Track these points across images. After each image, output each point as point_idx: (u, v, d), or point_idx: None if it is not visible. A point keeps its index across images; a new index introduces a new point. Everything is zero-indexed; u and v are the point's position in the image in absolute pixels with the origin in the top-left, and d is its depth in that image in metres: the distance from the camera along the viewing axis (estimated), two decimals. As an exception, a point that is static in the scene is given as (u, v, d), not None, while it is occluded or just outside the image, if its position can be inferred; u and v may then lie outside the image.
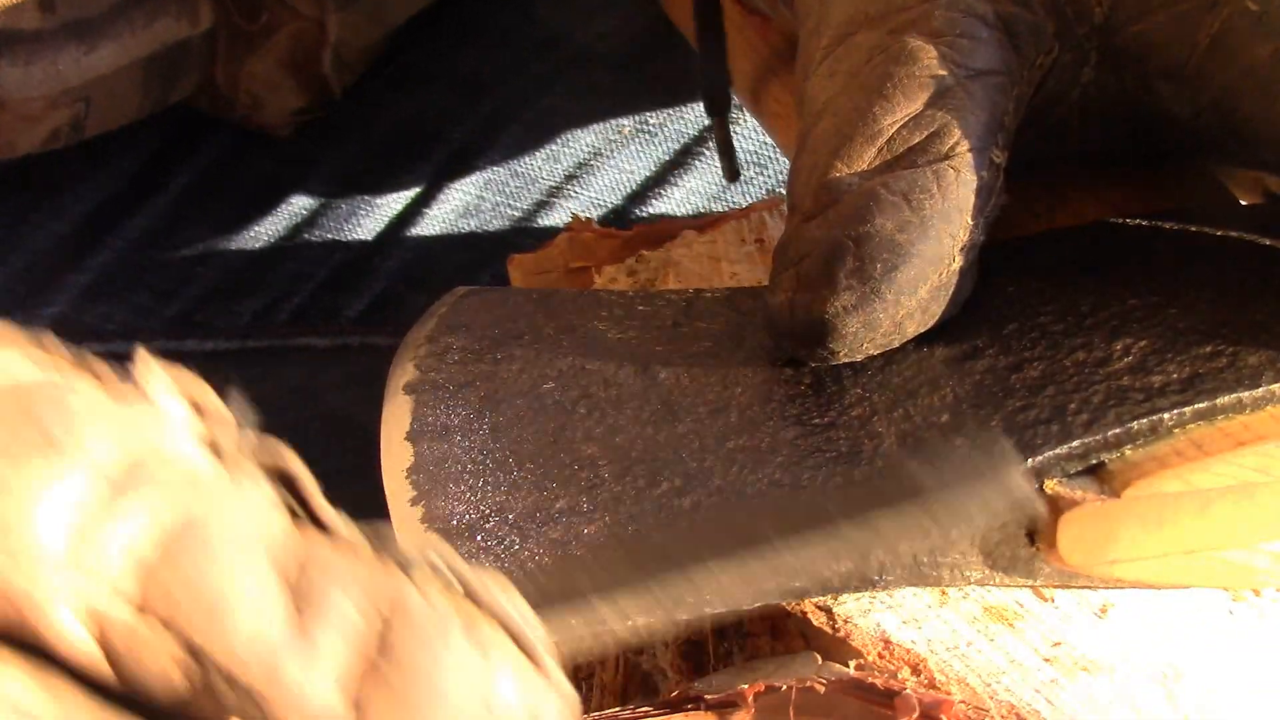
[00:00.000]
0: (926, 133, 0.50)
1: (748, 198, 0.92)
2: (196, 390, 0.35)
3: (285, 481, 0.34)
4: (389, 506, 0.47)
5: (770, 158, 0.92)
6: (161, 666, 0.32)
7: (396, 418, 0.50)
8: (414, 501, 0.47)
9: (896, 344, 0.50)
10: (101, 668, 0.32)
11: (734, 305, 0.56)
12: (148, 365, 0.35)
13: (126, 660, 0.32)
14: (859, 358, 0.50)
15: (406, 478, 0.48)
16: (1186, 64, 0.52)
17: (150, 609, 0.32)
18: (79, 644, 0.31)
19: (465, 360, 0.53)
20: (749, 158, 0.92)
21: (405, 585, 0.33)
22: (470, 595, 0.33)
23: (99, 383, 0.34)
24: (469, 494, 0.47)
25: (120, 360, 0.35)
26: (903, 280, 0.48)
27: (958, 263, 0.50)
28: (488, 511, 0.46)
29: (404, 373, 0.52)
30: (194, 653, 0.32)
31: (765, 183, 0.92)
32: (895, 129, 0.50)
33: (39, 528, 0.31)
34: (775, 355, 0.52)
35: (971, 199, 0.49)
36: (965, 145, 0.49)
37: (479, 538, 0.45)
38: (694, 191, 0.92)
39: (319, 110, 0.90)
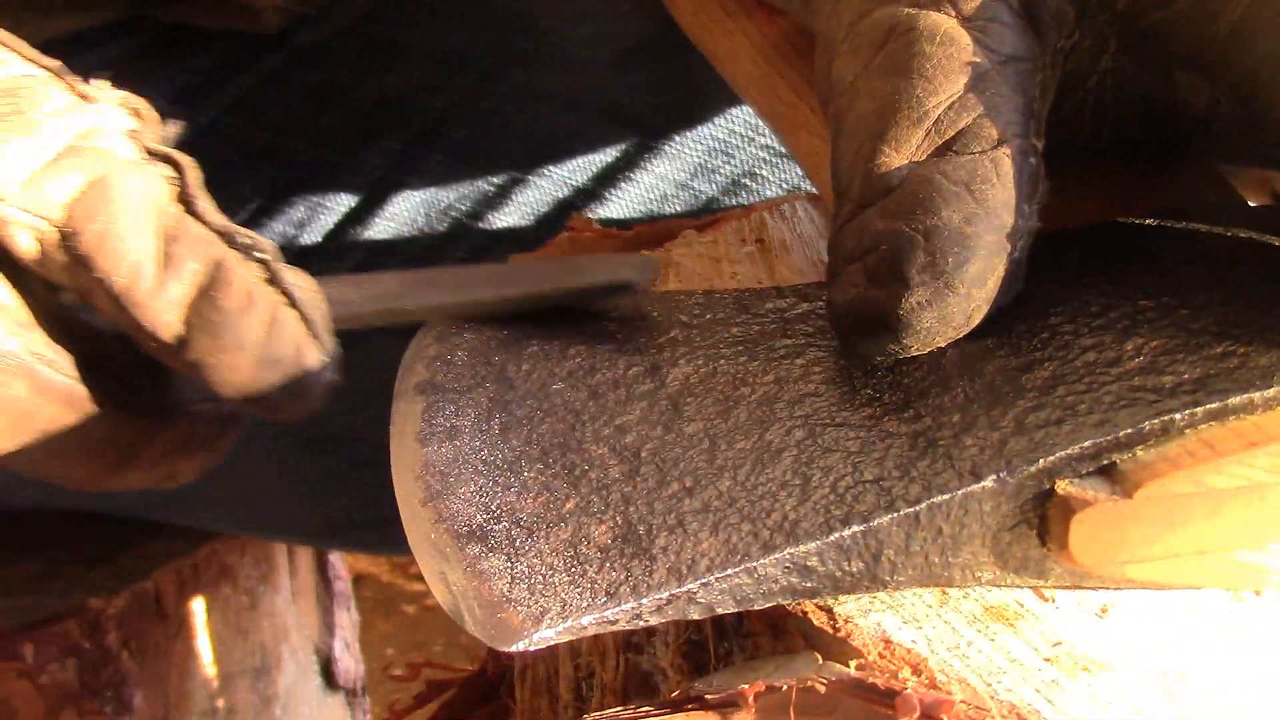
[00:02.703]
0: (973, 116, 0.49)
1: (713, 186, 0.92)
2: (137, 102, 0.54)
3: (180, 171, 0.52)
4: (399, 506, 0.47)
5: (738, 146, 0.92)
6: (75, 271, 0.50)
7: (407, 418, 0.50)
8: (424, 502, 0.47)
9: (962, 335, 0.50)
10: (38, 268, 0.51)
11: (741, 305, 0.56)
12: (105, 83, 0.54)
13: (51, 262, 0.51)
14: (927, 350, 0.50)
15: (417, 479, 0.48)
16: (1206, 51, 0.52)
17: (71, 234, 0.50)
18: (26, 249, 0.50)
19: (474, 361, 0.53)
20: (716, 145, 0.93)
21: (233, 259, 0.51)
22: (275, 278, 0.52)
23: (70, 87, 0.52)
24: (479, 495, 0.47)
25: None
26: (974, 274, 0.48)
27: (1017, 252, 0.49)
28: (498, 512, 0.46)
29: (414, 374, 0.52)
30: (89, 266, 0.50)
31: (731, 172, 0.92)
32: (941, 111, 0.49)
33: (6, 171, 0.49)
34: (828, 351, 0.52)
35: (1026, 186, 0.49)
36: (1013, 130, 0.49)
37: (489, 538, 0.45)
38: (662, 177, 0.91)
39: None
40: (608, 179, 0.92)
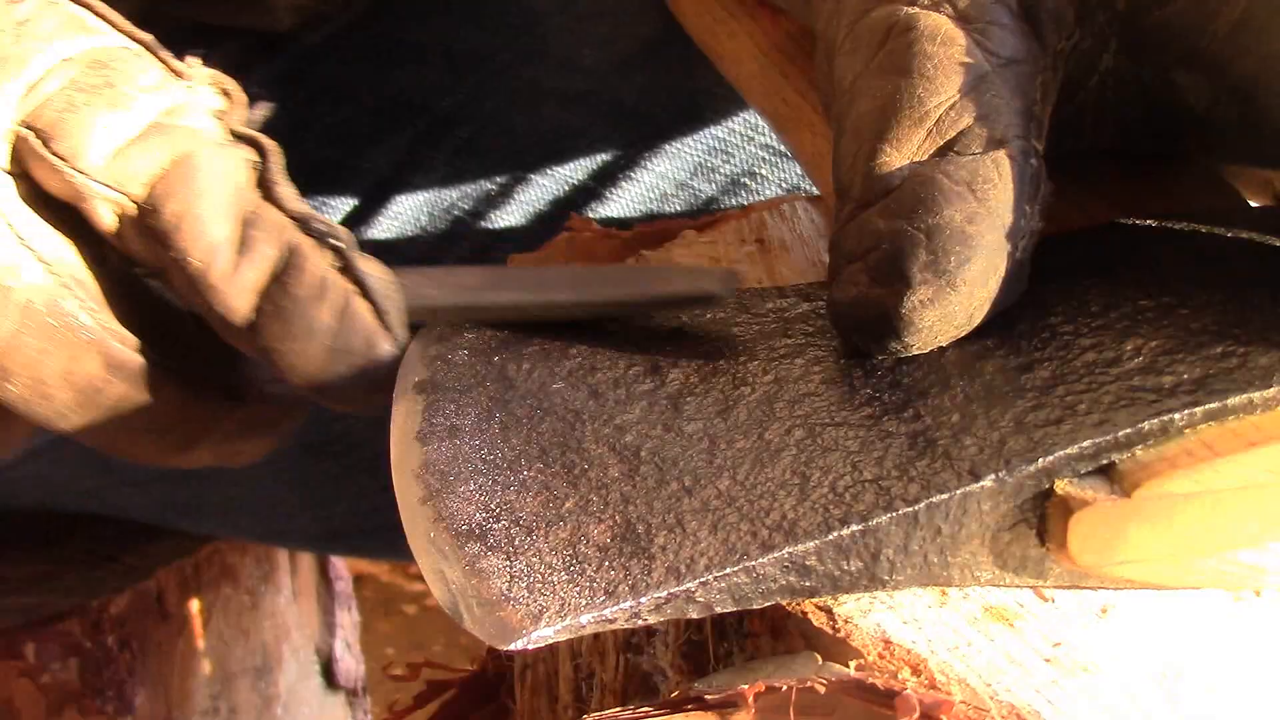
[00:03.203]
0: (974, 117, 0.49)
1: (713, 185, 0.92)
2: (227, 83, 0.54)
3: (263, 154, 0.52)
4: (399, 505, 0.47)
5: (737, 146, 0.92)
6: (153, 248, 0.51)
7: (407, 417, 0.50)
8: (423, 501, 0.47)
9: (964, 334, 0.50)
10: (116, 243, 0.52)
11: (741, 305, 0.56)
12: (197, 61, 0.54)
13: (129, 237, 0.51)
14: (929, 349, 0.50)
15: (416, 477, 0.48)
16: (1206, 51, 0.52)
17: (151, 211, 0.50)
18: (107, 223, 0.51)
19: (475, 360, 0.53)
20: (716, 144, 0.93)
21: (308, 246, 0.51)
22: (349, 266, 0.52)
23: (162, 62, 0.53)
24: (478, 494, 0.47)
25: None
26: (976, 272, 0.48)
27: (1019, 252, 0.49)
28: (497, 511, 0.46)
29: (414, 372, 0.52)
30: (166, 244, 0.50)
31: (730, 171, 0.92)
32: (942, 111, 0.50)
33: (93, 143, 0.50)
34: (835, 350, 0.52)
35: (1028, 187, 0.49)
36: (1014, 132, 0.49)
37: (488, 537, 0.45)
38: (663, 176, 0.92)
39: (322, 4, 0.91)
40: (608, 178, 0.92)
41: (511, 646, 0.42)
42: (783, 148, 0.92)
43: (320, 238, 0.52)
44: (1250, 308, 0.50)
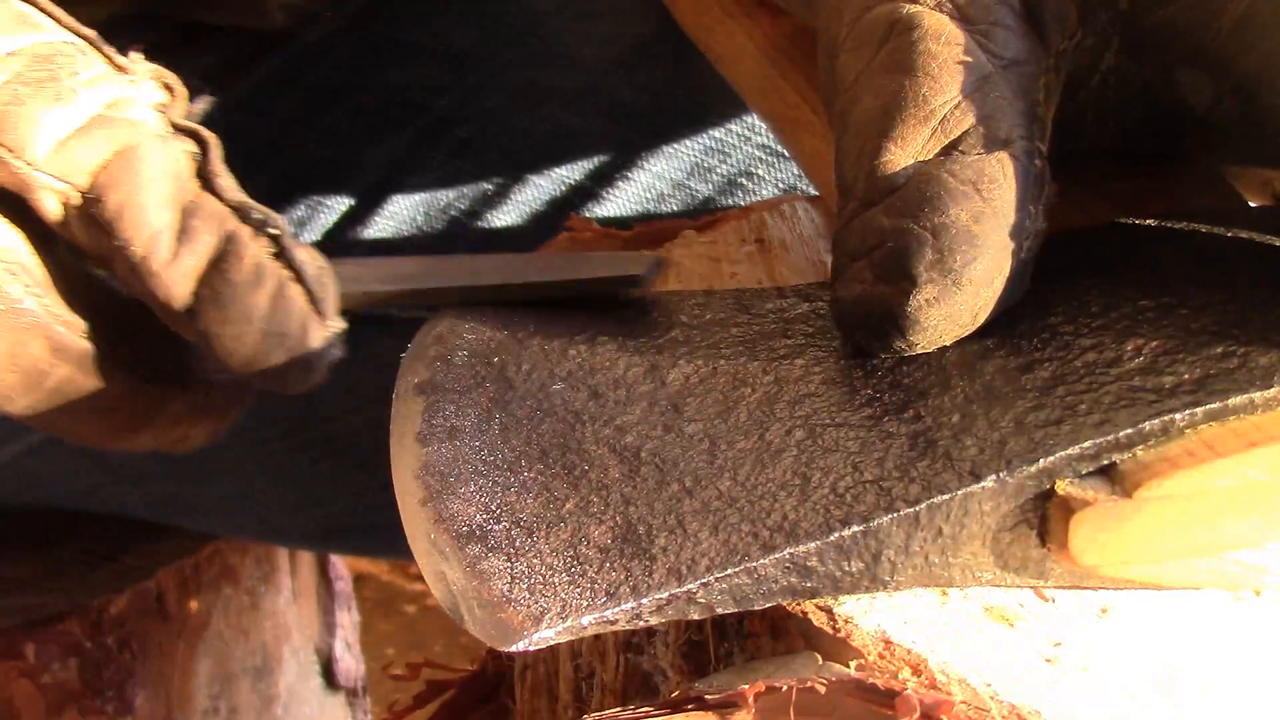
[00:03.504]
0: (978, 117, 0.49)
1: (709, 185, 0.92)
2: (169, 77, 0.55)
3: (203, 146, 0.54)
4: (399, 507, 0.47)
5: (734, 146, 0.92)
6: (96, 237, 0.52)
7: (406, 418, 0.50)
8: (423, 502, 0.47)
9: (968, 334, 0.50)
10: (61, 231, 0.53)
11: (741, 305, 0.56)
12: (139, 56, 0.55)
13: (74, 226, 0.52)
14: (933, 349, 0.50)
15: (416, 478, 0.48)
16: (1209, 49, 0.52)
17: (95, 200, 0.51)
18: (52, 212, 0.52)
19: (474, 361, 0.53)
20: (713, 144, 0.93)
21: (245, 234, 0.53)
22: (284, 253, 0.53)
23: (105, 56, 0.54)
24: (479, 495, 0.47)
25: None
26: (981, 271, 0.48)
27: (1024, 252, 0.49)
28: (497, 512, 0.46)
29: (414, 373, 0.52)
30: (109, 233, 0.52)
31: (727, 171, 0.92)
32: (947, 110, 0.50)
33: (38, 136, 0.51)
34: (837, 349, 0.52)
35: (1032, 188, 0.49)
36: (1018, 132, 0.49)
37: (489, 538, 0.45)
38: (659, 176, 0.92)
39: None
40: (605, 178, 0.92)
41: (513, 648, 0.42)
42: (780, 148, 0.92)
43: (257, 226, 0.54)
44: (1250, 308, 0.50)
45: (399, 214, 0.91)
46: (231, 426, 0.61)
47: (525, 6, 0.95)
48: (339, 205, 0.91)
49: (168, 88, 0.56)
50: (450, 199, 0.91)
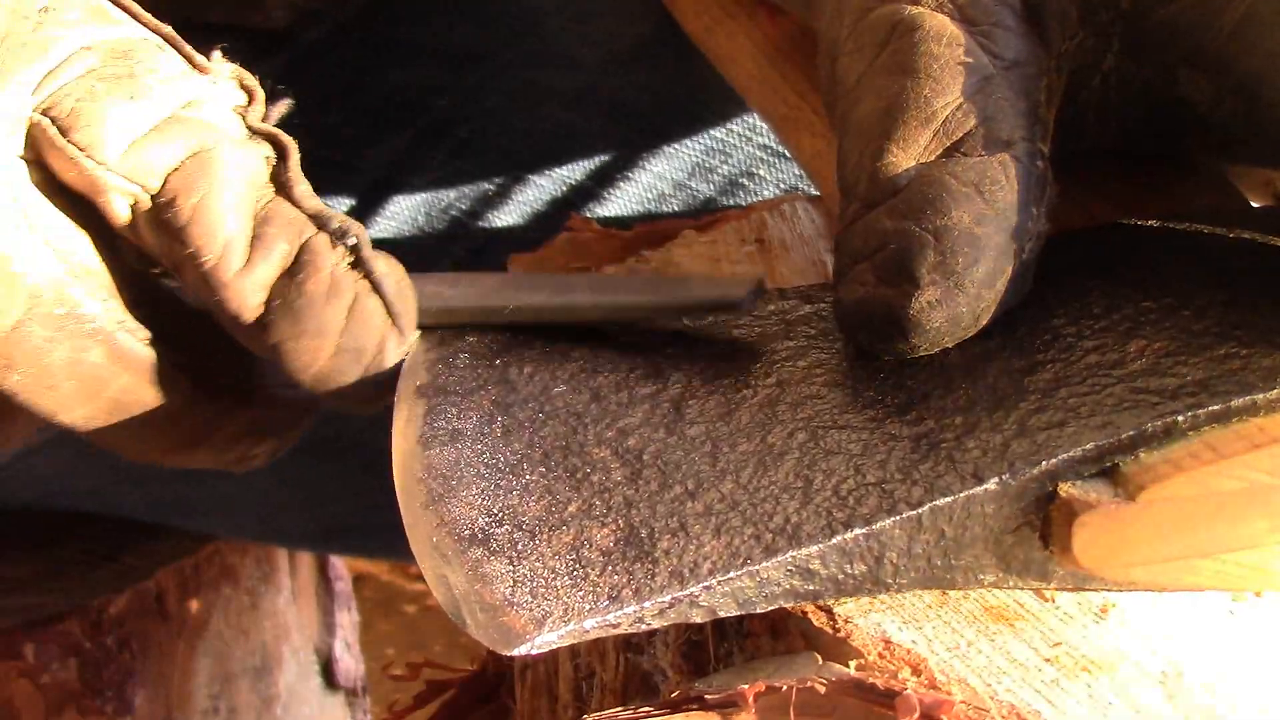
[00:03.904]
0: (980, 118, 0.49)
1: (711, 185, 0.92)
2: (248, 78, 0.54)
3: (282, 151, 0.52)
4: (401, 509, 0.47)
5: (735, 146, 0.92)
6: (166, 242, 0.50)
7: (409, 421, 0.50)
8: (426, 505, 0.47)
9: (969, 336, 0.50)
10: (130, 235, 0.51)
11: (743, 307, 0.56)
12: (220, 56, 0.54)
13: (143, 230, 0.51)
14: (935, 350, 0.50)
15: (419, 482, 0.48)
16: (1210, 50, 0.52)
17: (167, 205, 0.50)
18: (120, 216, 0.50)
19: (476, 364, 0.53)
20: (714, 145, 0.93)
21: (321, 243, 0.51)
22: (363, 264, 0.51)
23: (183, 55, 0.53)
24: (481, 499, 0.47)
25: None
26: (984, 274, 0.48)
27: (1026, 254, 0.49)
28: (500, 515, 0.46)
29: (416, 376, 0.52)
30: (181, 239, 0.50)
31: (728, 172, 0.92)
32: (949, 112, 0.49)
33: (108, 136, 0.49)
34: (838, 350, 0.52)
35: (1034, 189, 0.49)
36: (1020, 134, 0.49)
37: (492, 542, 0.45)
38: (660, 176, 0.92)
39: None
40: (606, 178, 0.92)
41: (516, 652, 0.42)
42: (781, 148, 0.92)
43: (335, 235, 0.51)
44: (1253, 309, 0.50)
45: (399, 214, 0.91)
46: None
47: (525, 6, 0.95)
48: (339, 205, 0.91)
49: (246, 89, 0.54)
50: (451, 199, 0.91)
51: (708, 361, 0.52)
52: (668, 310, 0.55)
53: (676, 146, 0.92)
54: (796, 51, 0.68)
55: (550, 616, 0.43)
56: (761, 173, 0.92)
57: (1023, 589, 0.48)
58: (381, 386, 0.52)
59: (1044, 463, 0.45)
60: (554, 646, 0.43)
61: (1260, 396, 0.46)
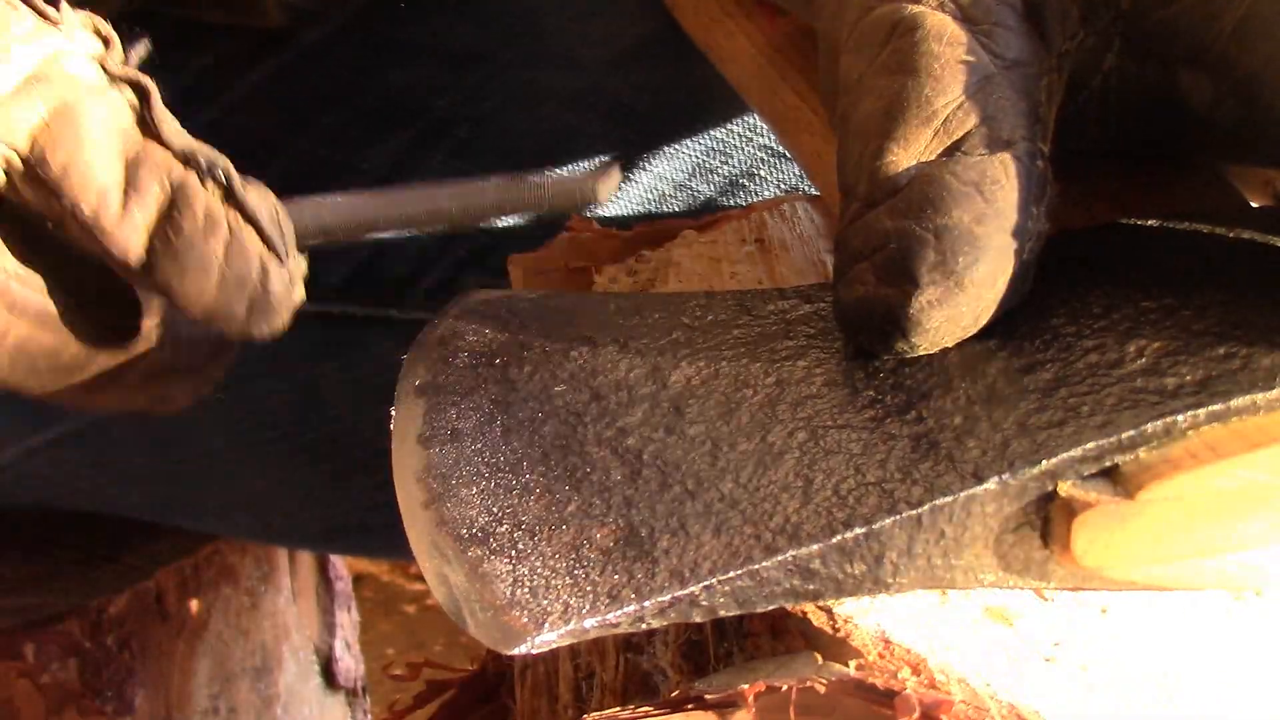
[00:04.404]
0: (980, 118, 0.49)
1: (711, 186, 0.91)
2: (102, 25, 0.54)
3: (144, 93, 0.53)
4: (401, 509, 0.47)
5: (735, 147, 0.92)
6: (44, 199, 0.51)
7: (409, 420, 0.50)
8: (426, 505, 0.47)
9: (969, 335, 0.50)
10: (8, 192, 0.51)
11: (743, 307, 0.56)
12: (69, 7, 0.53)
13: (20, 188, 0.51)
14: (935, 350, 0.50)
15: (418, 481, 0.48)
16: (1210, 50, 0.52)
17: (38, 163, 0.50)
18: None
19: (476, 363, 0.53)
20: (714, 145, 0.92)
21: (193, 182, 0.52)
22: (235, 198, 0.53)
23: (34, 9, 0.52)
24: (481, 498, 0.47)
25: None
26: (984, 273, 0.48)
27: (1026, 254, 0.49)
28: (500, 515, 0.46)
29: (415, 375, 0.52)
30: (57, 193, 0.51)
31: (729, 172, 0.92)
32: (949, 111, 0.50)
33: None
34: (840, 350, 0.52)
35: (1034, 189, 0.49)
36: (1020, 133, 0.49)
37: (491, 541, 0.45)
38: (661, 177, 0.92)
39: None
40: None
41: (516, 651, 0.42)
42: (781, 149, 0.92)
43: (205, 171, 0.53)
44: (1252, 309, 0.50)
45: None
46: (231, 428, 0.60)
47: (525, 6, 0.95)
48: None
49: (101, 36, 0.54)
50: None
51: (707, 361, 0.52)
52: (526, 206, 0.59)
53: (677, 147, 0.92)
54: (796, 51, 0.68)
55: (550, 616, 0.43)
56: (762, 173, 0.92)
57: (1023, 589, 0.48)
58: (268, 312, 0.54)
59: (1044, 462, 0.45)
60: (554, 646, 0.43)
61: (1260, 396, 0.46)
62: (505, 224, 0.91)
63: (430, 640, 1.92)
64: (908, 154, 0.49)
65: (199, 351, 0.58)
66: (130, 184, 0.52)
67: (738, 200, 0.91)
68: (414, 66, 0.93)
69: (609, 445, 0.49)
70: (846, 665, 0.45)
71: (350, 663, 1.18)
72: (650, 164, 0.91)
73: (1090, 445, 0.45)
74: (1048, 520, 0.46)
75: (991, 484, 0.45)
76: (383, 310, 0.90)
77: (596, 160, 0.92)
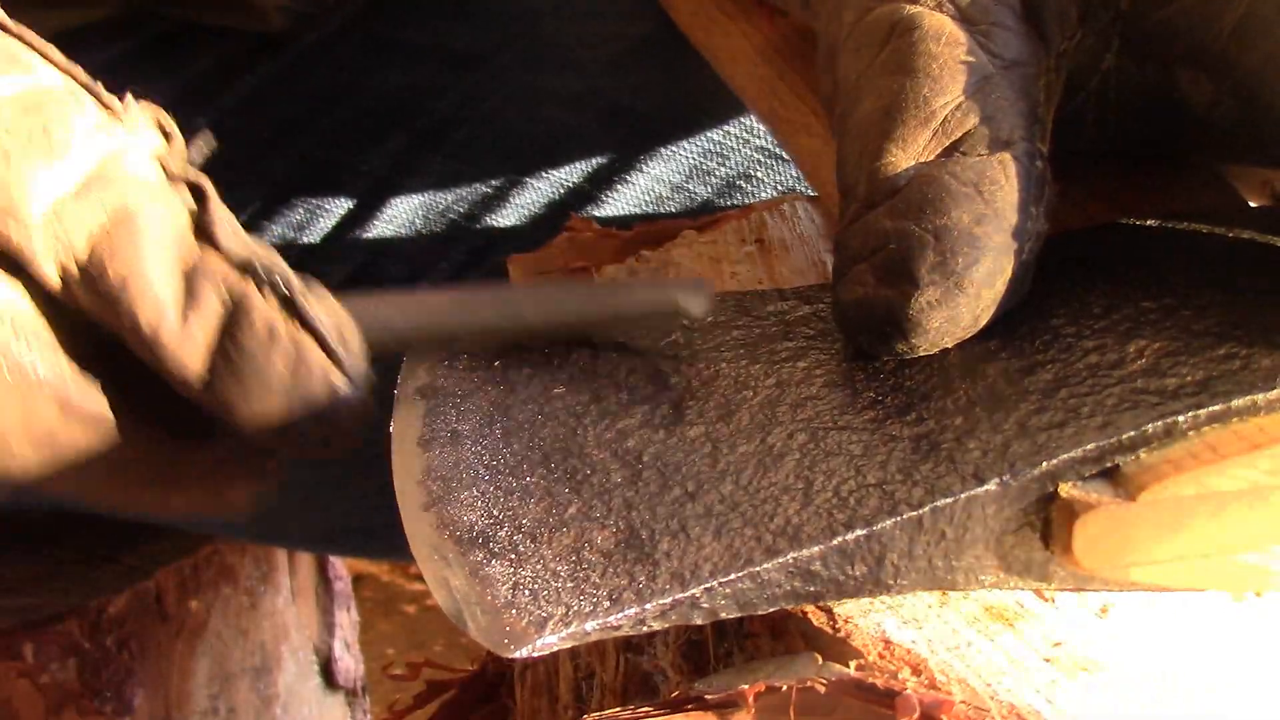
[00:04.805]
0: (979, 118, 0.50)
1: (708, 188, 0.91)
2: (165, 119, 0.51)
3: (202, 197, 0.50)
4: (401, 511, 0.47)
5: (732, 148, 0.92)
6: (100, 308, 0.48)
7: (408, 423, 0.50)
8: (426, 507, 0.47)
9: (969, 336, 0.50)
10: (65, 298, 0.48)
11: (743, 308, 0.56)
12: (133, 99, 0.51)
13: (77, 294, 0.48)
14: (935, 351, 0.50)
15: (418, 484, 0.48)
16: (1209, 50, 0.52)
17: (95, 274, 0.48)
18: (52, 281, 0.48)
19: (476, 365, 0.53)
20: (711, 147, 0.92)
21: (254, 295, 0.49)
22: (297, 310, 0.49)
23: (99, 102, 0.49)
24: (481, 500, 0.47)
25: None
26: (983, 274, 0.48)
27: (1025, 254, 0.49)
28: (500, 517, 0.46)
29: (416, 378, 0.52)
30: (114, 306, 0.48)
31: (726, 174, 0.92)
32: (948, 111, 0.50)
33: (30, 198, 0.47)
34: (839, 352, 0.52)
35: (1033, 189, 0.49)
36: (1019, 134, 0.49)
37: (492, 544, 0.45)
38: (658, 179, 0.91)
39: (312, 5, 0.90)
40: (604, 180, 0.92)
41: (517, 654, 0.42)
42: (778, 150, 0.92)
43: (266, 280, 0.49)
44: (1252, 309, 0.50)
45: (398, 216, 0.91)
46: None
47: (524, 7, 0.95)
48: (338, 207, 0.91)
49: (163, 130, 0.51)
50: (449, 201, 0.91)
51: (707, 363, 0.52)
52: (617, 322, 0.55)
53: (674, 149, 0.92)
54: (794, 52, 0.68)
55: (551, 619, 0.43)
56: (759, 175, 0.92)
57: (1023, 589, 0.48)
58: (335, 430, 0.51)
59: (1044, 463, 0.45)
60: (555, 649, 0.43)
61: (1260, 396, 0.46)
62: (503, 225, 0.91)
63: (430, 640, 1.92)
64: (907, 154, 0.49)
65: (257, 453, 0.54)
66: (189, 295, 0.48)
67: (734, 202, 0.91)
68: (413, 68, 0.93)
69: (609, 447, 0.49)
70: (846, 665, 0.45)
71: (350, 663, 1.18)
72: (648, 165, 0.91)
73: (1091, 446, 0.46)
74: (1048, 521, 0.46)
75: (992, 485, 0.45)
76: None
77: (597, 162, 0.92)
